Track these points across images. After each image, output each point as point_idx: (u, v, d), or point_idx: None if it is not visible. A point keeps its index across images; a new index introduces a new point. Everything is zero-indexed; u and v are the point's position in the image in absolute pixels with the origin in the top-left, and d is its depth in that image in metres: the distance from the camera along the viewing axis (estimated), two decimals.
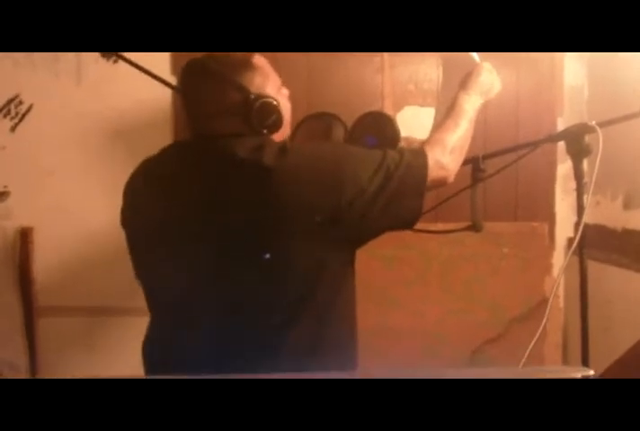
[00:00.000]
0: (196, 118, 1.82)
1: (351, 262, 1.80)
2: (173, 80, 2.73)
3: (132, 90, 2.76)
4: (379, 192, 1.64)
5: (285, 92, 1.87)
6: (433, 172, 1.74)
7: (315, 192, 1.61)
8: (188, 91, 1.83)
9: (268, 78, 1.80)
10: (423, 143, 1.84)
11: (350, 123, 2.38)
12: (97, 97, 2.80)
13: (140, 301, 2.03)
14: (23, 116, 2.77)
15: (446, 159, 1.79)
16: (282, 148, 1.66)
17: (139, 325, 2.00)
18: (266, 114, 1.74)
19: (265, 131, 1.75)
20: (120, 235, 1.86)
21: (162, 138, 2.76)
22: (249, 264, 1.62)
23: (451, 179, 1.83)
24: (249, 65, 1.77)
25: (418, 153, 1.76)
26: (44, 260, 2.84)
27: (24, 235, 2.80)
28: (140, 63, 2.43)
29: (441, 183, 1.81)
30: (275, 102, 1.75)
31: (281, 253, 1.61)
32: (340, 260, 1.73)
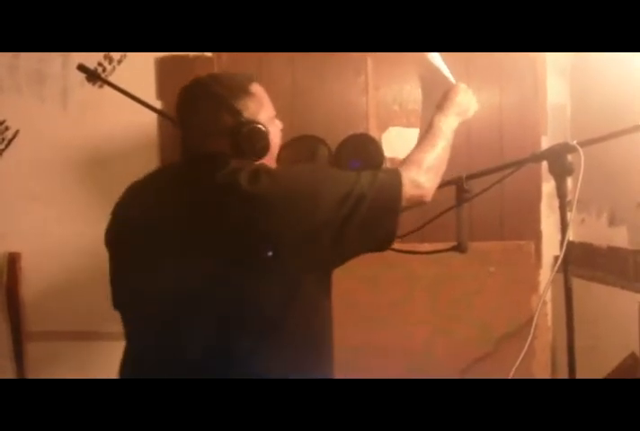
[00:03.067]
0: (187, 137, 1.84)
1: (327, 283, 1.80)
2: (158, 105, 2.75)
3: (118, 114, 2.77)
4: (353, 213, 1.64)
5: (278, 123, 1.91)
6: (409, 191, 1.75)
7: (288, 215, 1.62)
8: (184, 109, 1.85)
9: (262, 106, 1.84)
10: (400, 163, 1.85)
11: (334, 145, 2.40)
12: (83, 122, 2.81)
13: None
14: (10, 142, 2.78)
15: (422, 178, 1.79)
16: (256, 172, 1.68)
17: None
18: (255, 139, 1.77)
19: (252, 156, 1.78)
20: (107, 260, 1.87)
21: (148, 163, 2.76)
22: (226, 284, 1.63)
23: (428, 198, 1.82)
24: (246, 91, 1.81)
25: (392, 173, 1.77)
26: (32, 285, 2.83)
27: (12, 261, 2.80)
28: (126, 88, 2.44)
29: (418, 202, 1.80)
30: (265, 129, 1.79)
31: (255, 275, 1.62)
32: (314, 282, 1.73)
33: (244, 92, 1.80)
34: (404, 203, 1.74)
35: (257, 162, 1.78)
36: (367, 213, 1.66)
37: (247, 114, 1.77)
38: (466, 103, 2.04)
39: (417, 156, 1.85)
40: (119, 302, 1.88)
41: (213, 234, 1.65)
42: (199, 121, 1.80)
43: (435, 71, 2.08)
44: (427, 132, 1.93)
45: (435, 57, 2.07)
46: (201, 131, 1.80)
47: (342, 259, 1.73)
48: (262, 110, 1.83)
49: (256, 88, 1.84)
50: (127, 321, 1.85)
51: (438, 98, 2.05)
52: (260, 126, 1.77)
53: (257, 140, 1.77)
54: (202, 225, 1.66)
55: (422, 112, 2.31)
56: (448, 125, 1.95)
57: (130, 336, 1.84)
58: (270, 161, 1.86)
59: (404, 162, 1.85)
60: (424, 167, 1.82)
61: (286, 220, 1.61)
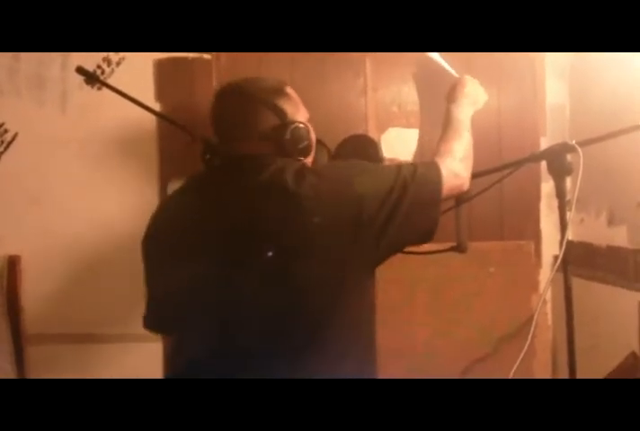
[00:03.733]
0: (228, 140, 1.86)
1: (372, 280, 1.82)
2: (157, 107, 2.75)
3: (117, 117, 2.77)
4: (397, 205, 1.67)
5: (309, 125, 1.90)
6: (449, 181, 1.79)
7: (336, 211, 1.64)
8: (222, 113, 1.87)
9: (298, 108, 1.87)
10: (433, 155, 1.89)
11: (334, 146, 2.40)
12: (82, 124, 2.80)
13: (130, 327, 2.03)
14: (9, 144, 2.77)
15: (458, 167, 1.85)
16: (301, 170, 1.70)
17: (129, 352, 2.00)
18: (299, 139, 1.79)
19: (297, 156, 1.81)
20: (107, 262, 1.87)
21: (147, 165, 2.77)
22: (274, 282, 1.64)
23: (467, 186, 1.88)
24: (283, 93, 1.83)
25: (431, 165, 1.81)
26: (32, 288, 2.82)
27: (12, 263, 2.79)
28: (125, 90, 2.44)
29: (458, 191, 1.87)
30: (307, 128, 1.82)
31: (304, 273, 1.64)
32: (362, 279, 1.76)
33: (281, 93, 1.82)
34: (444, 194, 1.78)
35: (299, 162, 1.80)
36: (409, 206, 1.69)
37: (287, 115, 1.80)
38: (476, 94, 2.08)
39: (448, 147, 1.90)
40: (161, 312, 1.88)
41: (260, 233, 1.66)
42: (238, 123, 1.81)
43: (437, 67, 2.09)
44: (447, 124, 1.97)
45: (434, 53, 2.08)
46: (241, 133, 1.81)
47: (387, 253, 1.76)
48: (299, 112, 1.86)
49: (290, 90, 1.86)
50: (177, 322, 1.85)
51: (438, 93, 2.06)
52: (303, 126, 1.80)
53: (301, 140, 1.80)
54: (249, 225, 1.68)
55: (420, 109, 2.32)
56: (465, 115, 2.00)
57: (182, 336, 1.84)
58: (309, 159, 1.88)
59: (438, 153, 1.89)
60: (458, 157, 1.87)
61: (334, 218, 1.64)
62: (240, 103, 1.80)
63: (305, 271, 1.63)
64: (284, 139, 1.76)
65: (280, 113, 1.78)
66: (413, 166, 1.76)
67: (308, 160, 1.87)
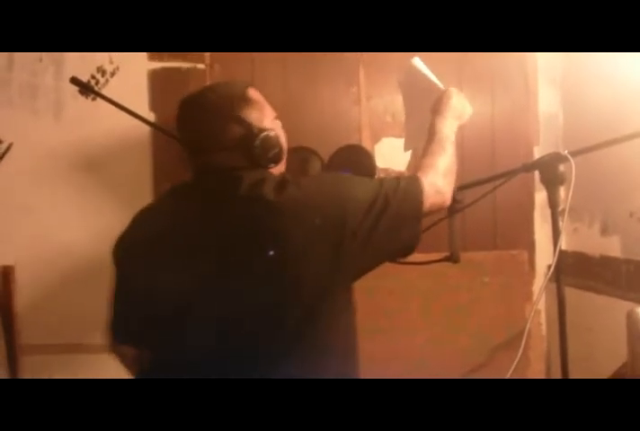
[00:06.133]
0: (196, 154, 1.81)
1: (350, 293, 1.79)
2: (151, 117, 2.75)
3: (111, 127, 2.78)
4: (379, 220, 1.64)
5: (278, 122, 1.87)
6: (431, 198, 1.76)
7: (317, 224, 1.61)
8: (186, 126, 1.82)
9: (264, 111, 1.81)
10: (416, 169, 1.85)
11: (327, 156, 2.40)
12: (76, 134, 2.81)
13: None
14: (3, 155, 2.77)
15: (440, 183, 1.81)
16: (282, 182, 1.67)
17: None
18: (268, 148, 1.75)
19: (270, 165, 1.77)
20: (101, 271, 1.87)
21: (141, 175, 2.77)
22: (253, 296, 1.62)
23: (448, 202, 1.84)
24: (246, 99, 1.78)
25: (413, 180, 1.77)
26: (26, 298, 2.82)
27: (5, 273, 2.79)
28: (119, 100, 2.44)
29: (440, 207, 1.82)
30: (276, 135, 1.77)
31: (284, 285, 1.61)
32: (340, 292, 1.73)
33: (244, 100, 1.77)
34: (425, 209, 1.75)
35: (271, 169, 1.77)
36: (391, 221, 1.66)
37: (253, 122, 1.75)
38: (462, 107, 2.04)
39: (432, 161, 1.86)
40: (126, 328, 1.84)
41: (242, 247, 1.63)
42: (204, 137, 1.76)
43: (422, 77, 2.08)
44: (432, 137, 1.93)
45: (420, 64, 2.07)
46: (210, 146, 1.76)
47: (368, 267, 1.73)
48: (265, 115, 1.80)
49: (253, 93, 1.81)
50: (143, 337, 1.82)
51: (423, 104, 2.05)
52: (271, 133, 1.75)
53: (271, 149, 1.75)
54: (230, 238, 1.65)
55: (405, 117, 2.31)
56: (449, 128, 1.96)
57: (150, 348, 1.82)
58: (282, 164, 1.84)
59: (421, 168, 1.85)
60: (441, 172, 1.83)
61: (315, 229, 1.61)
62: (203, 115, 1.76)
63: (284, 282, 1.61)
64: (253, 149, 1.72)
65: (245, 122, 1.73)
66: (395, 180, 1.74)
67: (281, 167, 1.84)
